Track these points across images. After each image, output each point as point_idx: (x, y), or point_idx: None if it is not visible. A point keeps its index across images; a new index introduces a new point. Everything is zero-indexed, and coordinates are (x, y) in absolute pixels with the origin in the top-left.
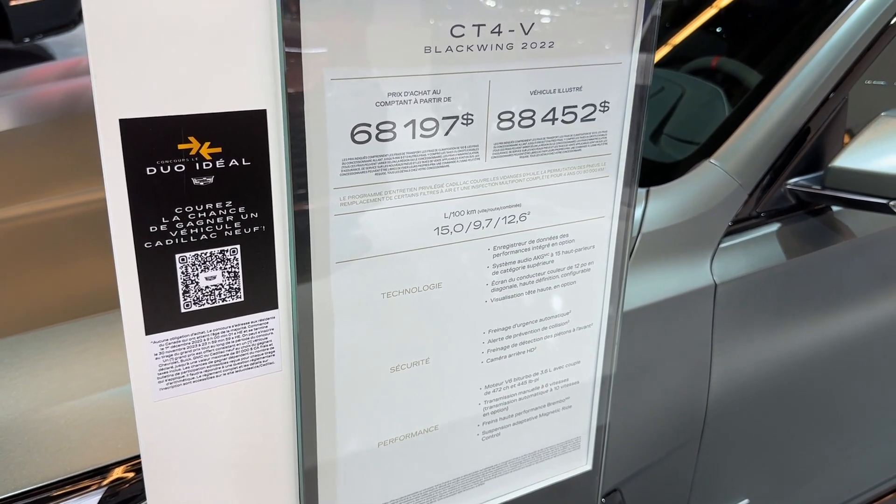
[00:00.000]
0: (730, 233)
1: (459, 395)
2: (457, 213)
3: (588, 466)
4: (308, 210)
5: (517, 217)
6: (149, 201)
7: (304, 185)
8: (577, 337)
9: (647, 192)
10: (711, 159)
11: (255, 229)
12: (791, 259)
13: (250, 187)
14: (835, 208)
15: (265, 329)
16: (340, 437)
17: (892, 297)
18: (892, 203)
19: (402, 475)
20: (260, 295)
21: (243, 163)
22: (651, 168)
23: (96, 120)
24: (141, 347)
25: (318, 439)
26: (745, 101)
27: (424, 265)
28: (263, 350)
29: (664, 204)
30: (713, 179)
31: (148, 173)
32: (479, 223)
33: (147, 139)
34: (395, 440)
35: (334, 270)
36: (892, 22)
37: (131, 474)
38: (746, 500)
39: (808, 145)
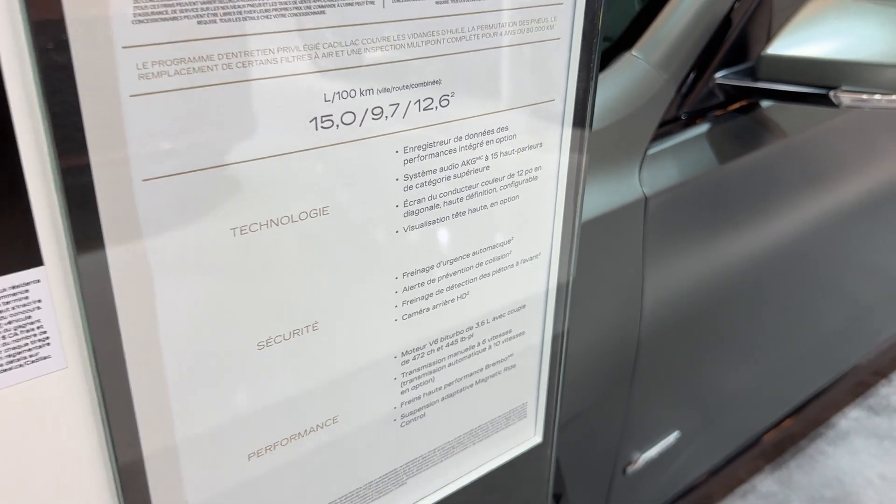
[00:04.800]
0: (657, 137)
1: (367, 370)
2: (345, 95)
3: (538, 438)
4: (75, 81)
5: (436, 101)
6: None
7: (62, 32)
8: (521, 272)
9: None
10: (633, 51)
11: None
12: (723, 164)
13: None
14: (765, 104)
15: (25, 302)
16: (185, 462)
17: (823, 204)
18: (832, 93)
19: (290, 496)
20: (4, 242)
21: None
22: None
23: None
24: None
25: (149, 472)
26: None
27: (298, 180)
28: (27, 338)
29: None
30: (637, 74)
31: None
32: (379, 111)
33: None
34: (273, 447)
35: (141, 193)
36: None
37: None
38: (677, 432)
39: (736, 32)
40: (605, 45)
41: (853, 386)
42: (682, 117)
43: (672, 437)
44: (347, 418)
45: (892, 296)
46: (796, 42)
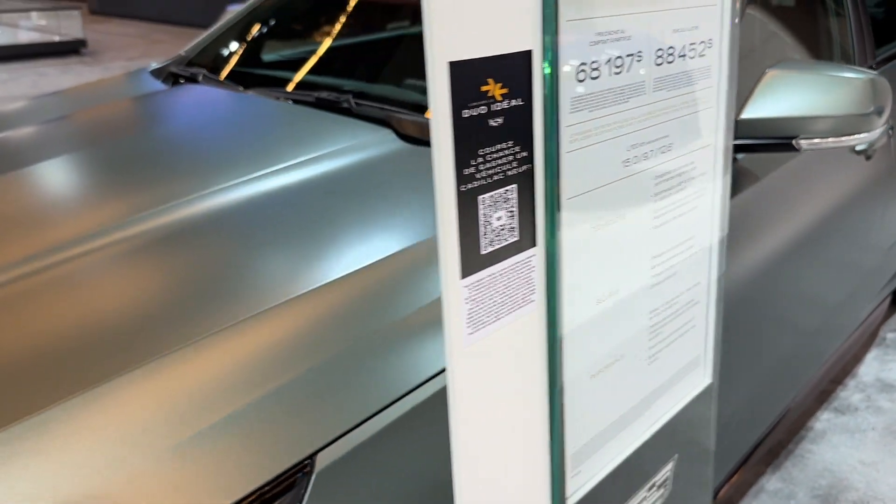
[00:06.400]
0: None
1: (635, 322)
2: (635, 146)
3: (709, 380)
4: (559, 148)
5: (666, 146)
6: (465, 143)
7: (557, 124)
8: (698, 259)
9: None
10: None
11: (524, 168)
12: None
13: (523, 127)
14: (740, 156)
15: (529, 267)
16: (568, 370)
17: (786, 231)
18: (794, 140)
19: (609, 402)
20: (527, 234)
21: (519, 102)
22: None
23: (426, 63)
24: (457, 292)
25: (565, 372)
26: None
27: (616, 198)
28: (528, 288)
29: None
30: None
31: (463, 115)
32: (646, 154)
33: (465, 82)
34: (601, 371)
35: (567, 207)
36: None
37: None
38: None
39: None
40: None
41: (818, 395)
42: None
43: None
44: (628, 356)
45: (831, 319)
46: (761, 107)
